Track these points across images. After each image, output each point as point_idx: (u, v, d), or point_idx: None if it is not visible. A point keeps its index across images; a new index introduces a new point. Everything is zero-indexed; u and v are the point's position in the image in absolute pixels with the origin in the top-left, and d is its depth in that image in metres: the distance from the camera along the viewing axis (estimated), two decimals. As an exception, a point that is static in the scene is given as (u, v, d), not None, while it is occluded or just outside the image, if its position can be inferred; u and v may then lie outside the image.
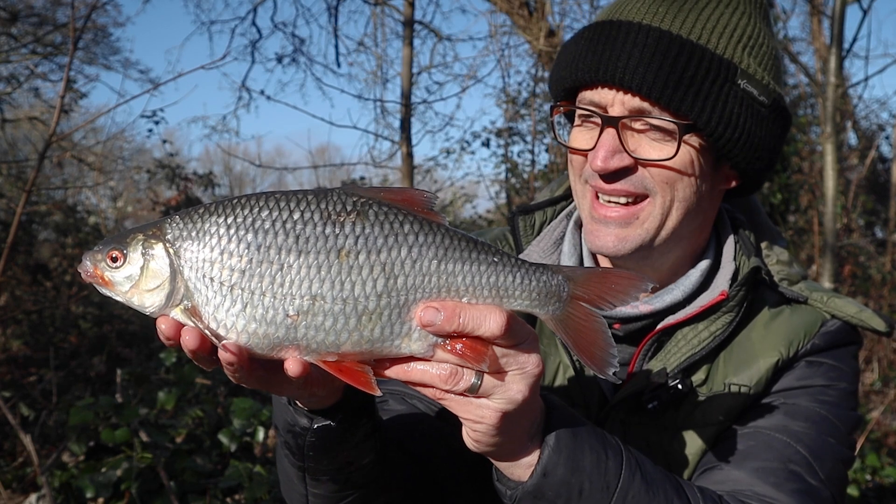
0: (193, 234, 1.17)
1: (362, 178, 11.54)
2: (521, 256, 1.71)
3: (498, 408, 1.23)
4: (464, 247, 1.19)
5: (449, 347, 1.19)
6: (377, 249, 1.16)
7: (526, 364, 1.22)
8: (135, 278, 1.17)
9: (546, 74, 9.59)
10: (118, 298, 1.19)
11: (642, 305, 1.69)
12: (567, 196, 1.88)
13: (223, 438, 4.65)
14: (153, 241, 1.18)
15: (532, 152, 10.72)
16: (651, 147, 1.57)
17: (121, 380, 5.62)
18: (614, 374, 1.26)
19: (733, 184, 1.71)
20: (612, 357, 1.25)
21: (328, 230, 1.16)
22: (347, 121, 19.88)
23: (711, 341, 1.66)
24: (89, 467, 4.34)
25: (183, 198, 10.91)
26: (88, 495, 4.19)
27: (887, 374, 7.55)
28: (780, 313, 1.73)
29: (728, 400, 1.66)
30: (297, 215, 1.16)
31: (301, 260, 1.15)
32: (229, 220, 1.16)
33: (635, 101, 1.55)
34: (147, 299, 1.17)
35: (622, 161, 1.57)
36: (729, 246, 1.76)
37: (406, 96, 8.12)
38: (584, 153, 1.64)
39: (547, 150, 10.51)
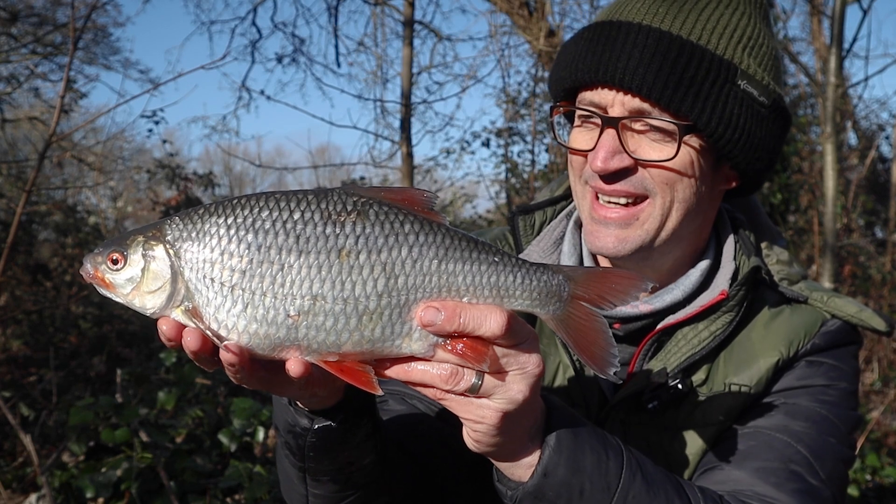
0: (194, 234, 1.17)
1: (362, 178, 11.54)
2: (521, 256, 1.71)
3: (498, 408, 1.23)
4: (464, 246, 1.19)
5: (449, 347, 1.19)
6: (378, 249, 1.16)
7: (526, 364, 1.22)
8: (136, 280, 1.17)
9: (546, 74, 9.58)
10: (119, 300, 1.19)
11: (642, 305, 1.69)
12: (567, 196, 1.88)
13: (223, 438, 4.65)
14: (153, 243, 1.18)
15: (532, 152, 10.73)
16: (651, 148, 1.57)
17: (121, 380, 5.62)
18: (615, 373, 1.26)
19: (733, 184, 1.71)
20: (613, 357, 1.25)
21: (329, 230, 1.16)
22: (347, 121, 19.90)
23: (711, 341, 1.66)
24: (89, 467, 4.34)
25: (183, 198, 10.92)
26: (88, 495, 4.19)
27: (887, 373, 7.55)
28: (780, 313, 1.73)
29: (728, 400, 1.67)
30: (297, 215, 1.16)
31: (302, 260, 1.15)
32: (229, 221, 1.16)
33: (635, 102, 1.55)
34: (148, 301, 1.17)
35: (622, 162, 1.57)
36: (729, 246, 1.76)
37: (406, 96, 8.12)
38: (583, 154, 1.64)
39: (547, 151, 10.52)
